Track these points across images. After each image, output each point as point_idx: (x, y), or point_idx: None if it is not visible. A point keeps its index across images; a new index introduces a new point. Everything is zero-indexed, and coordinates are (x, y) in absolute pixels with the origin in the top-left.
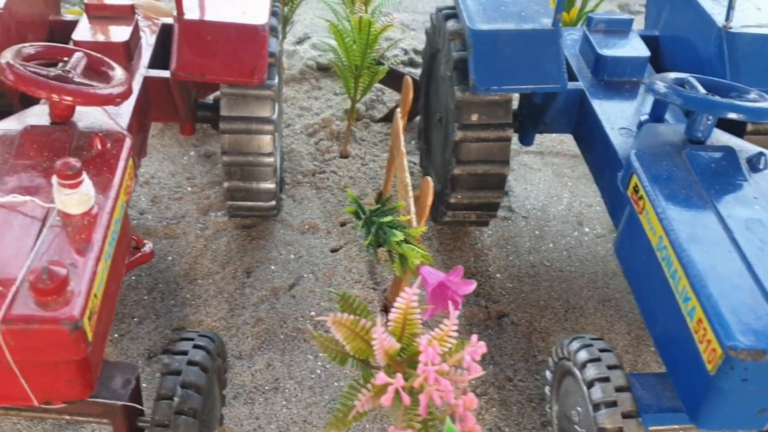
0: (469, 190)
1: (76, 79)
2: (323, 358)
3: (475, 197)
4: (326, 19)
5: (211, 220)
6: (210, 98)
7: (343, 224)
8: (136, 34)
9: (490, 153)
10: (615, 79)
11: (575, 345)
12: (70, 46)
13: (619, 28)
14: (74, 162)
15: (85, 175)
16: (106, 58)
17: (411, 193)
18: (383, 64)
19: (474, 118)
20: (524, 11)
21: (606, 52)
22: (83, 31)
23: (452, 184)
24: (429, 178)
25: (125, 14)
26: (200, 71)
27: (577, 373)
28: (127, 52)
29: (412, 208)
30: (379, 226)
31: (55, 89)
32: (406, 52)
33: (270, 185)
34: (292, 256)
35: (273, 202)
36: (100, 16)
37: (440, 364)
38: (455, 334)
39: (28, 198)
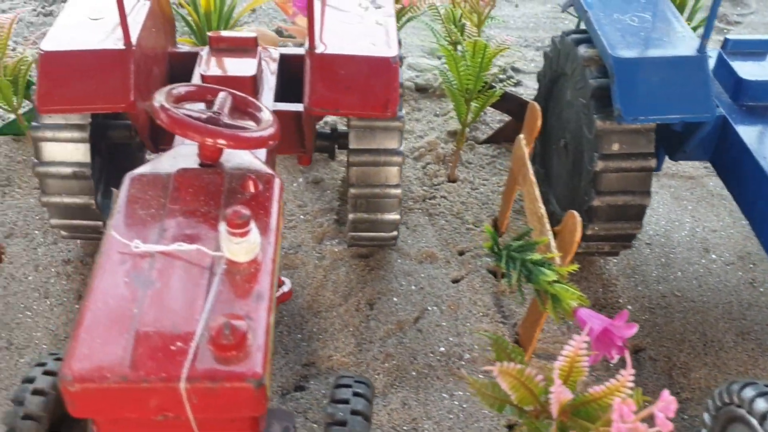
0: (607, 221)
1: (226, 121)
2: (459, 397)
3: (613, 228)
4: (441, 44)
5: (327, 249)
6: (325, 128)
7: (461, 253)
8: (260, 67)
9: (631, 183)
10: (757, 104)
11: (750, 392)
12: (215, 85)
13: (757, 50)
14: (244, 210)
15: (253, 223)
16: (250, 98)
17: (548, 227)
18: (494, 86)
19: (615, 147)
20: (665, 36)
21: (748, 76)
22: (209, 66)
23: (589, 216)
24: (575, 213)
25: (249, 46)
26: (334, 106)
27: (755, 423)
28: (254, 86)
29: (553, 243)
30: (522, 263)
31: (210, 133)
32: (504, 70)
33: (394, 216)
34: (413, 287)
35: (395, 233)
36: (224, 48)
37: (633, 421)
38: (631, 384)
39: (194, 246)
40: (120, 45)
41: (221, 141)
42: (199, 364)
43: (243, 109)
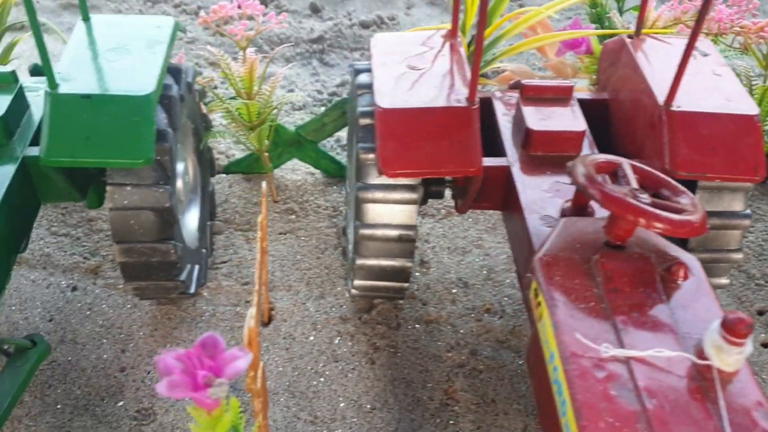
0: None
1: (645, 198)
2: None
3: None
4: None
5: None
6: None
7: (761, 313)
8: None
9: None
10: None
11: None
12: (617, 157)
13: None
14: (748, 318)
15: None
16: (657, 173)
17: None
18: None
19: None
20: None
21: None
22: (534, 120)
23: None
24: None
25: (566, 95)
26: (701, 169)
27: None
28: (581, 143)
29: None
30: None
31: (655, 218)
32: None
33: (725, 281)
34: None
35: None
36: (539, 98)
37: None
38: None
39: (677, 353)
40: (461, 101)
41: (659, 225)
42: None
43: (650, 185)
